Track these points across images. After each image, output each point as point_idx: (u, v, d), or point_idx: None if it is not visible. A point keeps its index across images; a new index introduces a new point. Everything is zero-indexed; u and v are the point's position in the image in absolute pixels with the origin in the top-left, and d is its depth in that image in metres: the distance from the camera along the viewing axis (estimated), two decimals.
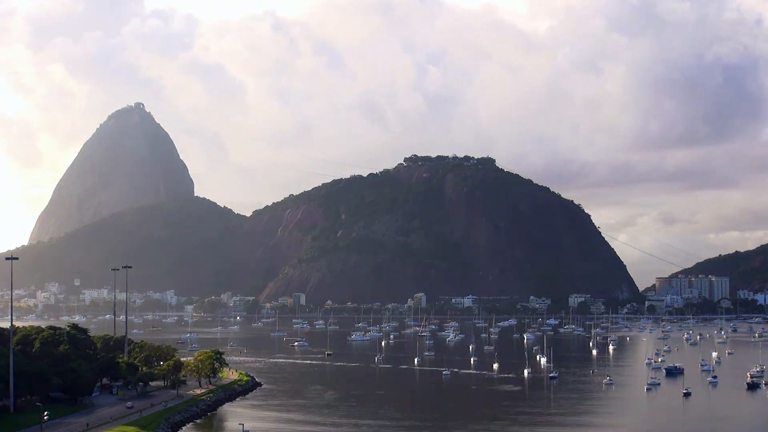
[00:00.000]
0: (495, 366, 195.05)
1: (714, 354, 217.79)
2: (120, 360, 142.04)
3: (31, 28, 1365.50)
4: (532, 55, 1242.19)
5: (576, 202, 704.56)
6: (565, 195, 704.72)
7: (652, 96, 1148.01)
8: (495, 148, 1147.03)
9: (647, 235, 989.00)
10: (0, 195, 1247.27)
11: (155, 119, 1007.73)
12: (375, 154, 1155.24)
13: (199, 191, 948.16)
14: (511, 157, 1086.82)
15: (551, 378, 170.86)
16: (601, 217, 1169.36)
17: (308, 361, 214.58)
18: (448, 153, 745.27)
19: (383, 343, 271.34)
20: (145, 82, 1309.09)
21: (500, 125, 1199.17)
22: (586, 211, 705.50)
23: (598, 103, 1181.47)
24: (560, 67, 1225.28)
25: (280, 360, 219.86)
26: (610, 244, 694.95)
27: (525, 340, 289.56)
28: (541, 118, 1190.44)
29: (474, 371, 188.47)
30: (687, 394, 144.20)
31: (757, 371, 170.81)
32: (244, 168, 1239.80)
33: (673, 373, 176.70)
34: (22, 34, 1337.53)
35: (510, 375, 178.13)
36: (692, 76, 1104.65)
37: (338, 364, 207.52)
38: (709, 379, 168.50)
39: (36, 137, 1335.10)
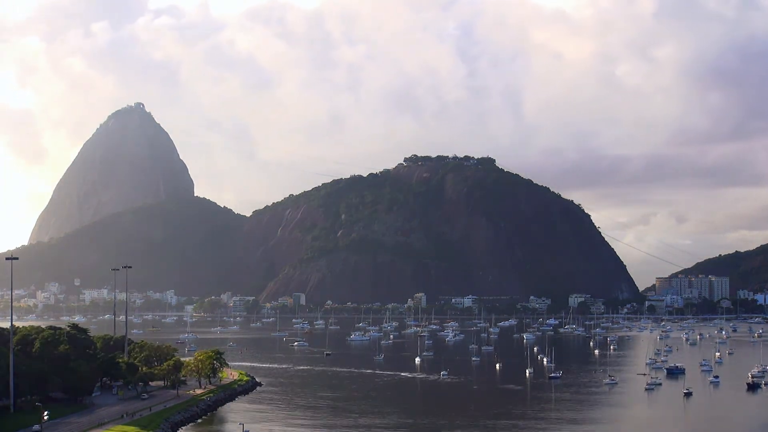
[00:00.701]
0: (497, 366, 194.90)
1: (716, 354, 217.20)
2: (120, 360, 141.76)
3: (43, 22, 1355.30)
4: (576, 41, 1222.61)
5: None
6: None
7: (697, 87, 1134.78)
8: (534, 140, 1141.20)
9: (653, 235, 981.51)
10: (6, 193, 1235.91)
11: (155, 119, 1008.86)
12: (408, 147, 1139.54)
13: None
14: (546, 153, 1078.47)
15: (554, 378, 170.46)
16: (615, 215, 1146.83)
17: (307, 363, 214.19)
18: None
19: (382, 343, 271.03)
20: (159, 76, 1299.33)
21: (540, 117, 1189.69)
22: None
23: (641, 93, 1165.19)
24: (605, 54, 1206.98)
25: (280, 360, 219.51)
26: (611, 244, 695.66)
27: (524, 341, 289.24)
28: (581, 109, 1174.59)
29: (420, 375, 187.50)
30: (688, 394, 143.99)
31: (758, 371, 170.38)
32: (268, 163, 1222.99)
33: (674, 373, 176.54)
34: (35, 28, 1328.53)
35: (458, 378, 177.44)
36: (739, 66, 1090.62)
37: (337, 363, 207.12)
38: (710, 379, 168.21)
39: (44, 133, 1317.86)
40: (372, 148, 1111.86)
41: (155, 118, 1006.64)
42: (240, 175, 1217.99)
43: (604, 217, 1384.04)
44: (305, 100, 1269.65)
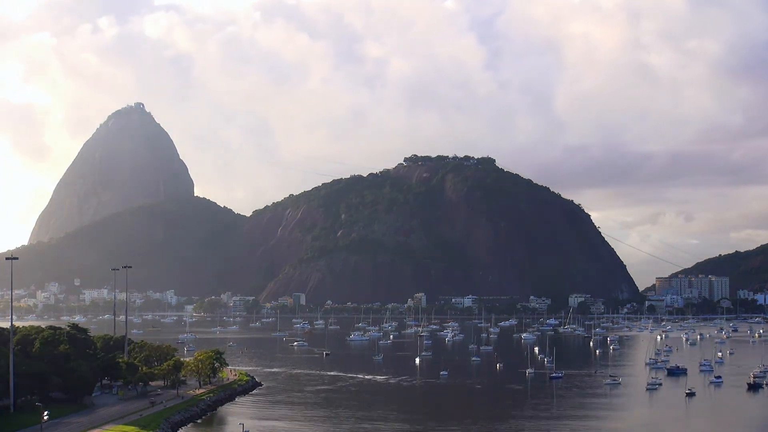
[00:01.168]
0: (498, 366, 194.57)
1: (718, 354, 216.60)
2: (120, 360, 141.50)
3: (50, 19, 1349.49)
4: (606, 31, 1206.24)
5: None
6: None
7: (729, 80, 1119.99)
8: (562, 136, 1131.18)
9: (657, 235, 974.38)
10: (9, 191, 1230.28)
11: (160, 117, 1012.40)
12: (433, 142, 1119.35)
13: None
14: (571, 149, 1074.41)
15: (555, 378, 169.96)
16: (623, 215, 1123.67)
17: (307, 363, 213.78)
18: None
19: (381, 343, 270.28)
20: (171, 72, 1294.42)
21: (568, 112, 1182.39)
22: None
23: (673, 85, 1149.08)
24: (637, 43, 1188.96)
25: (279, 360, 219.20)
26: (611, 244, 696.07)
27: (523, 341, 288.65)
28: (610, 104, 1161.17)
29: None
30: (690, 395, 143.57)
31: (760, 372, 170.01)
32: (282, 162, 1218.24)
33: (675, 373, 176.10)
34: (44, 25, 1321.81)
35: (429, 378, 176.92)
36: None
37: (337, 363, 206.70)
38: (712, 379, 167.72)
39: (48, 131, 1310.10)
40: (392, 146, 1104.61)
41: (160, 117, 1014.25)
42: (253, 173, 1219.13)
43: (610, 216, 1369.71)
44: (323, 96, 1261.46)
